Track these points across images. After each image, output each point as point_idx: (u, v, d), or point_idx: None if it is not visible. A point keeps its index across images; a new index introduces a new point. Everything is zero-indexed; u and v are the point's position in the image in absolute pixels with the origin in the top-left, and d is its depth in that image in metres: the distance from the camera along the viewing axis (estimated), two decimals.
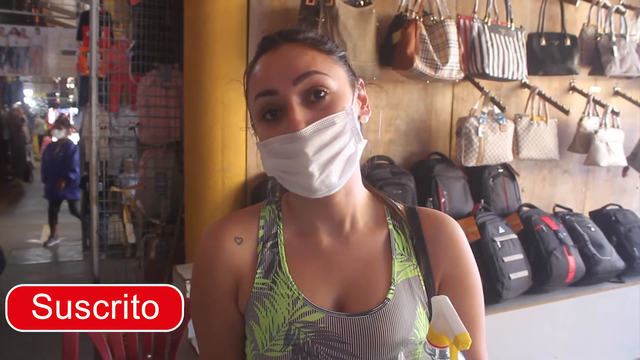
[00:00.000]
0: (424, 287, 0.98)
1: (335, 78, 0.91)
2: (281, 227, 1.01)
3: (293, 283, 0.95)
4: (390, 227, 1.02)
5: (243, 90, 0.99)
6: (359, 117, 0.96)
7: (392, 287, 0.96)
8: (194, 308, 1.04)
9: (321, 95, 0.89)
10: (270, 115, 0.90)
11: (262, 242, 1.00)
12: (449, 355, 0.78)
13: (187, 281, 2.54)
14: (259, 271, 0.97)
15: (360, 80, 1.00)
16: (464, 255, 1.02)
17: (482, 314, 1.03)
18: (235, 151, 2.72)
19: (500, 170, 3.35)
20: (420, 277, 0.99)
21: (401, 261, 0.99)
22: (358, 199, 1.01)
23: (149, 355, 2.21)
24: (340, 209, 0.98)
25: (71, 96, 17.82)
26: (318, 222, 0.99)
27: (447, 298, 0.82)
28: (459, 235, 1.03)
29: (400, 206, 1.07)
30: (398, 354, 0.87)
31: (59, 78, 15.25)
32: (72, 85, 14.90)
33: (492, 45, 2.95)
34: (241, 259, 0.98)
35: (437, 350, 0.78)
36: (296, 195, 0.98)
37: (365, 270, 0.98)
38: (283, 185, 0.95)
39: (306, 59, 0.90)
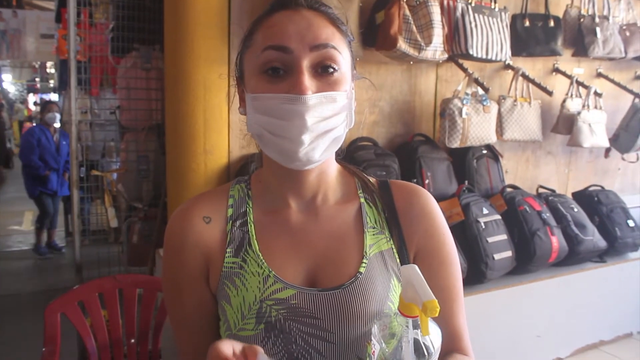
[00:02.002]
0: (398, 260, 0.97)
1: (345, 59, 0.91)
2: (250, 205, 1.00)
3: (263, 261, 0.94)
4: (362, 200, 1.01)
5: (243, 37, 0.96)
6: None
7: (364, 260, 0.95)
8: (165, 290, 1.03)
9: (330, 70, 0.88)
10: (273, 72, 0.88)
11: (231, 221, 0.98)
12: None
13: None
14: (228, 250, 0.96)
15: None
16: (437, 226, 1.01)
17: (459, 286, 1.01)
18: (218, 133, 2.69)
19: (484, 152, 3.35)
20: (394, 250, 0.98)
21: (373, 234, 0.98)
22: (330, 177, 1.00)
23: (133, 340, 2.20)
24: (312, 186, 0.97)
25: (52, 81, 17.59)
26: (289, 198, 0.98)
27: (416, 267, 0.80)
28: (432, 207, 1.02)
29: (372, 180, 1.05)
30: (372, 327, 0.85)
31: (39, 62, 15.01)
32: (52, 70, 14.69)
33: (475, 26, 2.94)
34: (210, 238, 0.97)
35: (410, 321, 0.76)
36: (270, 170, 0.97)
37: (336, 244, 0.97)
38: (260, 147, 0.93)
39: (327, 31, 0.89)
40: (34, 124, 6.44)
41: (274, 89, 0.87)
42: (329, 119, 0.87)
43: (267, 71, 0.88)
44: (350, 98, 0.91)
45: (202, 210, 0.99)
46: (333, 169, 1.00)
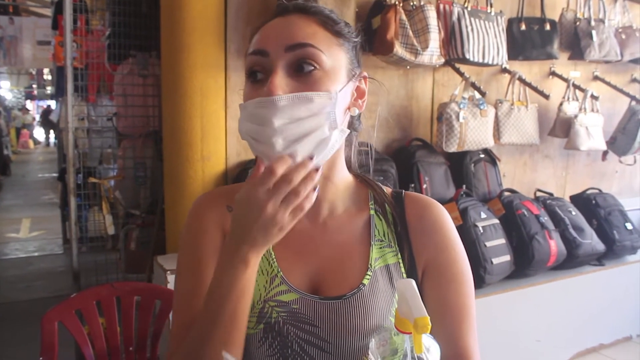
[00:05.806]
0: (404, 274, 0.95)
1: (331, 59, 0.87)
2: None
3: (274, 260, 0.95)
4: (372, 212, 1.00)
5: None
6: (348, 108, 0.92)
7: (368, 272, 0.94)
8: (179, 269, 0.99)
9: (310, 69, 0.85)
10: (255, 77, 0.88)
11: None
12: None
13: (168, 272, 2.51)
14: None
15: (365, 74, 0.97)
16: (449, 242, 0.98)
17: (470, 304, 0.96)
18: (215, 140, 2.69)
19: (482, 156, 3.35)
20: (401, 264, 0.96)
21: (380, 247, 0.97)
22: (339, 186, 0.98)
23: (131, 348, 2.18)
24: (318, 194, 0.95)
25: (49, 88, 17.61)
26: None
27: (412, 281, 0.77)
28: (444, 221, 0.99)
29: (387, 190, 1.04)
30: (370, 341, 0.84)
31: (36, 69, 15.02)
32: (49, 77, 14.69)
33: (472, 30, 2.94)
34: (229, 226, 0.96)
35: (407, 337, 0.75)
36: None
37: (341, 254, 0.96)
38: (254, 153, 0.92)
39: (307, 31, 0.87)
40: None
41: (254, 94, 0.86)
42: (304, 120, 0.81)
43: (250, 77, 0.88)
44: (335, 99, 0.84)
45: (226, 199, 1.00)
46: (341, 177, 0.99)
